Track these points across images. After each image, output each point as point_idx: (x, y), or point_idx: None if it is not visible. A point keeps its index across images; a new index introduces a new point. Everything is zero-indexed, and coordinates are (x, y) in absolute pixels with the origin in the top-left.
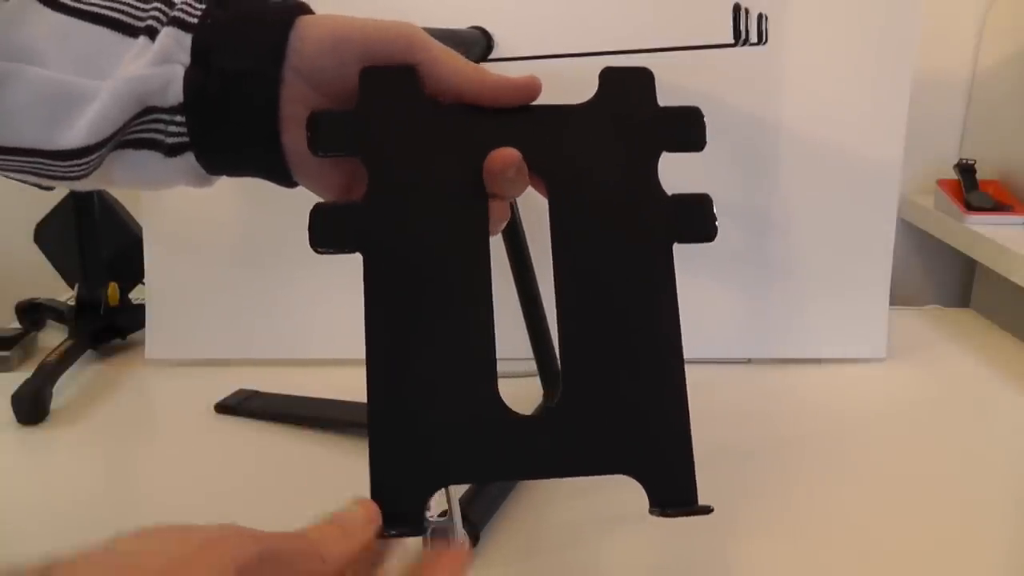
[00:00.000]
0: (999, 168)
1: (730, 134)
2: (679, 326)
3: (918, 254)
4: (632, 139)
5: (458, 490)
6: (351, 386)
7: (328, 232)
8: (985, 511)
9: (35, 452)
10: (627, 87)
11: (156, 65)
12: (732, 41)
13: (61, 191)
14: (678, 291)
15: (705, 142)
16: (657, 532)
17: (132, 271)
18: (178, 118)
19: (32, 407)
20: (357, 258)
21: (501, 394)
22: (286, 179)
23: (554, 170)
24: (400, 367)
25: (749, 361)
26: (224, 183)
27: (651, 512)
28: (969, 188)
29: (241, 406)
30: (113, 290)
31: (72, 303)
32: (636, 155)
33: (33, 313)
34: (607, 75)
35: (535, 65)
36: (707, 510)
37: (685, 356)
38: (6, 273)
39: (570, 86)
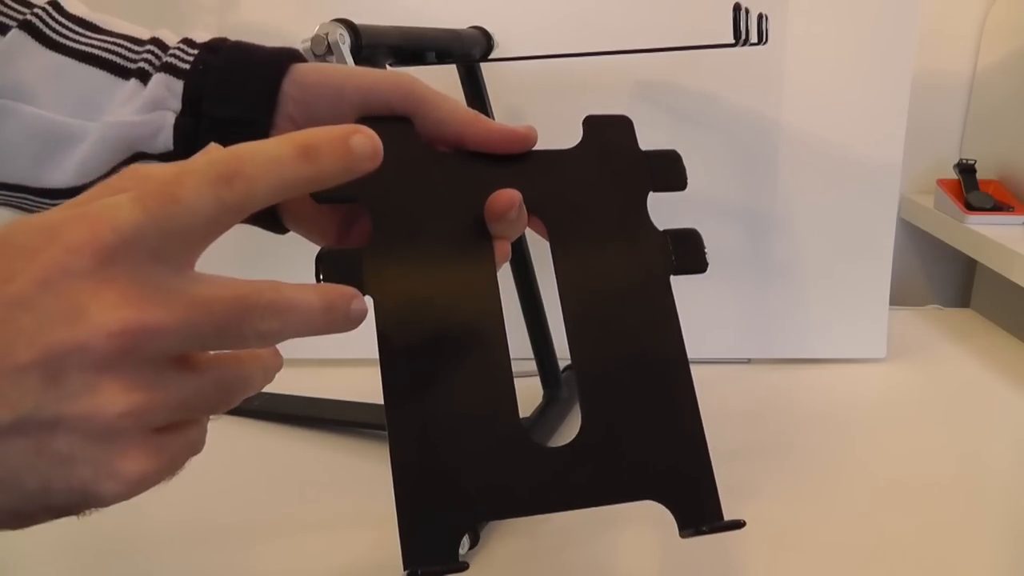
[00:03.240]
0: (999, 168)
1: (730, 134)
2: (685, 351)
3: (918, 254)
4: (621, 180)
5: None
6: (351, 386)
7: (337, 278)
8: (985, 511)
9: None
10: (610, 133)
11: (146, 112)
12: (732, 41)
13: None
14: (678, 292)
15: (687, 182)
16: (656, 533)
17: None
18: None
19: None
20: None
21: None
22: (277, 226)
23: (553, 211)
24: (420, 410)
25: (749, 361)
26: None
27: (683, 535)
28: (969, 188)
29: (241, 406)
30: None
31: None
32: (627, 195)
33: None
34: (591, 122)
35: (535, 65)
36: (739, 524)
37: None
38: None
39: (570, 86)
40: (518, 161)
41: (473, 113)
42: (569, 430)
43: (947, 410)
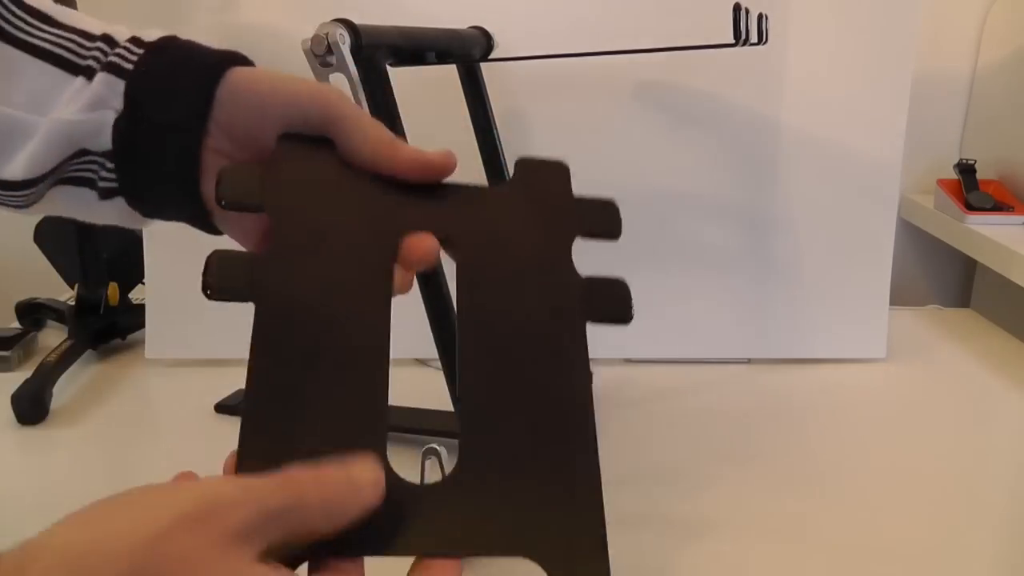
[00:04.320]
0: (999, 168)
1: (730, 134)
2: (591, 404)
3: (918, 254)
4: (548, 223)
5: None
6: None
7: (223, 279)
8: (985, 510)
9: (35, 452)
10: (544, 176)
11: (89, 111)
12: (732, 41)
13: None
14: (678, 291)
15: (620, 232)
16: (656, 534)
17: (132, 271)
18: (109, 164)
19: (32, 407)
20: None
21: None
22: (210, 227)
23: (467, 247)
24: (278, 427)
25: (749, 361)
26: None
27: None
28: (969, 188)
29: (240, 405)
30: (113, 290)
31: (72, 303)
32: (551, 238)
33: (33, 313)
34: (523, 164)
35: (535, 65)
36: None
37: (686, 355)
38: (6, 273)
39: (570, 86)
40: (439, 191)
41: (390, 138)
42: None
43: (947, 410)
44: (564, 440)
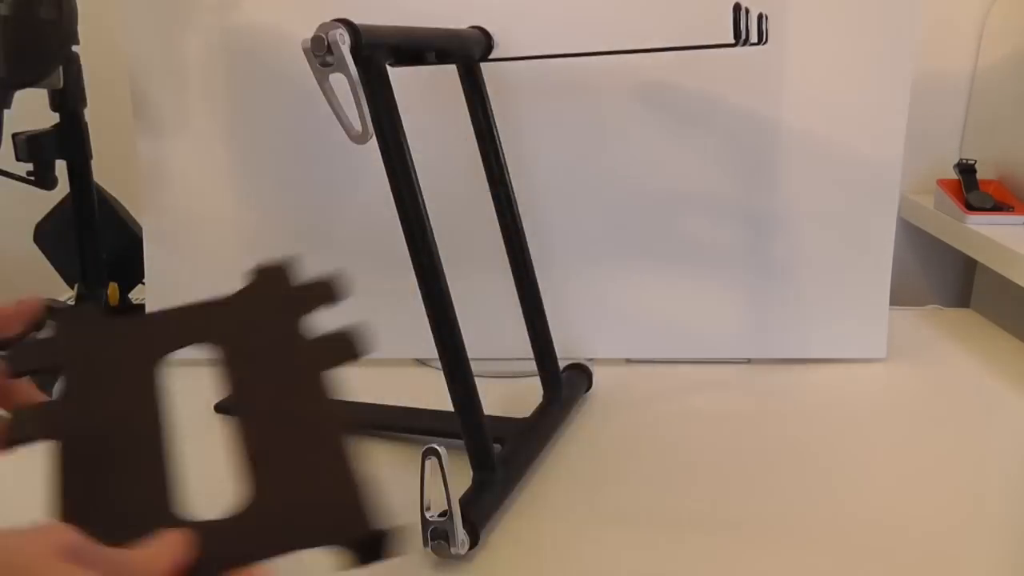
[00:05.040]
0: (999, 168)
1: (730, 134)
2: (339, 417)
3: (918, 254)
4: (282, 310)
5: (457, 491)
6: (351, 386)
7: (18, 430)
8: (985, 510)
9: (35, 452)
10: (273, 275)
11: None
12: (732, 41)
13: (61, 191)
14: (679, 291)
15: (338, 298)
16: (656, 534)
17: (132, 271)
18: None
19: None
20: (359, 254)
21: (500, 396)
22: None
23: (221, 346)
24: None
25: (749, 361)
26: (225, 182)
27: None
28: (969, 188)
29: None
30: (113, 290)
31: (72, 303)
32: (286, 321)
33: None
34: (256, 272)
35: (535, 65)
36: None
37: (686, 356)
38: (6, 273)
39: (570, 86)
40: (199, 312)
41: None
42: (570, 431)
43: (947, 410)
44: (317, 440)
